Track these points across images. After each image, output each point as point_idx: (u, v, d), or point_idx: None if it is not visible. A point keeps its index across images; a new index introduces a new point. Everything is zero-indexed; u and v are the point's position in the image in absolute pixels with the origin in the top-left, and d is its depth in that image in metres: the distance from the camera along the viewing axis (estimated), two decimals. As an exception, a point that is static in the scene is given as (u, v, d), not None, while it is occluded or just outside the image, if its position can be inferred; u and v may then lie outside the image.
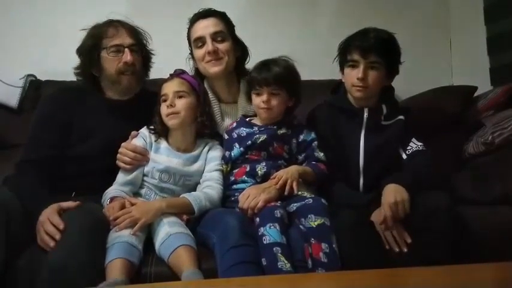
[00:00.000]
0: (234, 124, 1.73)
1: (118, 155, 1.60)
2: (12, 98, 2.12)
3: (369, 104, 1.70)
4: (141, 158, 1.61)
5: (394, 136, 1.68)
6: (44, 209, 1.41)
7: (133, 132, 1.65)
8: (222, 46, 1.75)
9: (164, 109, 1.60)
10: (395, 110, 1.73)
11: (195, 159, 1.65)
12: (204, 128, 1.66)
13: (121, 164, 1.60)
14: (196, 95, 1.64)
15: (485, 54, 2.29)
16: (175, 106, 1.58)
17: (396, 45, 1.67)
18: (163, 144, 1.64)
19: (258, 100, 1.64)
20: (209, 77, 1.81)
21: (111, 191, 1.56)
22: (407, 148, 1.66)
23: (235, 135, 1.68)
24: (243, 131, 1.67)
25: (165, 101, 1.61)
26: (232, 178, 1.64)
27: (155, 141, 1.64)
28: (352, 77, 1.64)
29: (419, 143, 1.66)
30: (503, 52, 2.19)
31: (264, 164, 1.61)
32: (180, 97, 1.60)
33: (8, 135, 2.06)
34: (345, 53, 1.68)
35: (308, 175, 1.61)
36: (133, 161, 1.59)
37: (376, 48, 1.61)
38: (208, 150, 1.67)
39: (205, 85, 1.80)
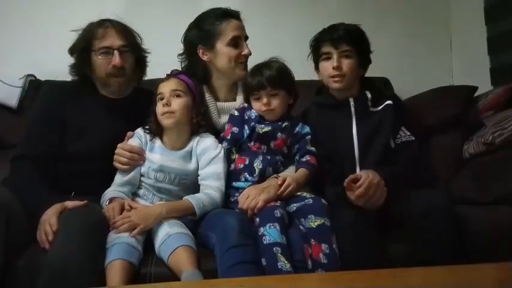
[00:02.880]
0: (246, 104, 1.72)
1: (115, 156, 1.60)
2: (12, 98, 2.11)
3: (352, 94, 1.73)
4: (138, 157, 1.61)
5: (385, 122, 1.70)
6: (45, 208, 1.41)
7: (129, 133, 1.65)
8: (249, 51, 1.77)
9: (160, 108, 1.59)
10: (381, 95, 1.76)
11: (188, 155, 1.63)
12: (199, 129, 1.65)
13: (118, 165, 1.60)
14: (192, 95, 1.63)
15: (485, 54, 2.28)
16: (171, 105, 1.58)
17: (364, 35, 1.73)
18: (158, 143, 1.64)
19: (258, 105, 1.65)
20: (219, 75, 1.78)
21: (110, 192, 1.56)
22: (397, 137, 1.68)
23: (246, 117, 1.68)
24: (253, 113, 1.68)
25: (161, 99, 1.60)
26: (233, 166, 1.64)
27: (150, 140, 1.64)
28: (327, 68, 1.69)
29: (408, 133, 1.69)
30: (504, 52, 2.19)
31: (261, 158, 1.61)
32: (177, 96, 1.59)
33: (8, 135, 2.05)
34: (316, 49, 1.73)
35: (307, 177, 1.61)
36: (130, 161, 1.59)
37: (345, 37, 1.67)
38: (197, 145, 1.64)
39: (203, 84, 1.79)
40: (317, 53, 1.74)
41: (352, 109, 1.71)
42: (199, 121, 1.64)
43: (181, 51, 1.81)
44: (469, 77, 2.30)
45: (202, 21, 1.77)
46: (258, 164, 1.61)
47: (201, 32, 1.76)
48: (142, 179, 1.62)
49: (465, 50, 2.50)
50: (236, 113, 1.71)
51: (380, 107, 1.72)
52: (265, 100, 1.62)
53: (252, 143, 1.65)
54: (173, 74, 1.65)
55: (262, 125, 1.64)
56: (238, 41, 1.75)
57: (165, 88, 1.60)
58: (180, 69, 1.79)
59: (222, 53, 1.74)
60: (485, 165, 1.81)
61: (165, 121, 1.60)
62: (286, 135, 1.66)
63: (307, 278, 1.31)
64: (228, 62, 1.75)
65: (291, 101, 1.70)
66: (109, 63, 1.65)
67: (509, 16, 2.15)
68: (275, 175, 1.59)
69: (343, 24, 1.71)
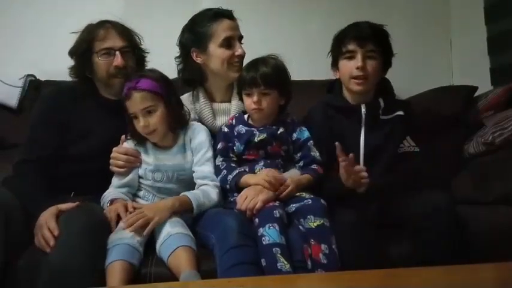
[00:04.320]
0: (233, 121, 1.69)
1: (111, 160, 1.60)
2: (12, 98, 2.12)
3: (366, 99, 1.66)
4: (134, 159, 1.61)
5: (394, 133, 1.64)
6: (44, 210, 1.41)
7: (123, 137, 1.65)
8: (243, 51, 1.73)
9: (140, 128, 1.57)
10: (394, 104, 1.69)
11: (181, 150, 1.64)
12: (181, 123, 1.64)
13: (115, 169, 1.60)
14: (162, 100, 1.57)
15: (485, 54, 2.29)
16: (149, 125, 1.55)
17: (389, 36, 1.65)
18: (149, 144, 1.63)
19: (249, 101, 1.61)
20: (214, 77, 1.76)
21: (109, 194, 1.56)
22: (400, 146, 1.64)
23: (236, 133, 1.66)
24: (242, 128, 1.65)
25: (135, 118, 1.57)
26: None
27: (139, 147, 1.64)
28: (350, 68, 1.61)
29: (413, 143, 1.63)
30: (504, 52, 2.19)
31: (262, 163, 1.60)
32: (149, 112, 1.55)
33: (8, 135, 2.06)
34: (339, 46, 1.64)
35: (309, 183, 1.59)
36: (126, 163, 1.59)
37: (372, 36, 1.59)
38: (190, 139, 1.64)
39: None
40: (338, 50, 1.64)
41: (363, 116, 1.64)
42: (176, 117, 1.60)
43: (178, 54, 1.80)
44: (469, 77, 2.30)
45: (194, 24, 1.75)
46: (259, 169, 1.59)
47: (194, 34, 1.73)
48: (141, 180, 1.62)
49: (465, 50, 2.51)
50: (226, 129, 1.68)
51: (390, 116, 1.66)
52: (255, 98, 1.59)
53: (247, 152, 1.62)
54: (133, 87, 1.54)
55: (257, 133, 1.61)
56: (231, 41, 1.71)
57: (135, 107, 1.55)
58: (177, 70, 1.78)
59: (215, 55, 1.71)
60: (485, 165, 1.81)
61: (151, 139, 1.60)
62: (281, 141, 1.63)
63: (307, 278, 1.31)
64: (221, 64, 1.71)
65: (283, 102, 1.65)
66: (111, 64, 1.64)
67: (509, 16, 2.15)
68: (274, 176, 1.59)
69: (369, 23, 1.63)
